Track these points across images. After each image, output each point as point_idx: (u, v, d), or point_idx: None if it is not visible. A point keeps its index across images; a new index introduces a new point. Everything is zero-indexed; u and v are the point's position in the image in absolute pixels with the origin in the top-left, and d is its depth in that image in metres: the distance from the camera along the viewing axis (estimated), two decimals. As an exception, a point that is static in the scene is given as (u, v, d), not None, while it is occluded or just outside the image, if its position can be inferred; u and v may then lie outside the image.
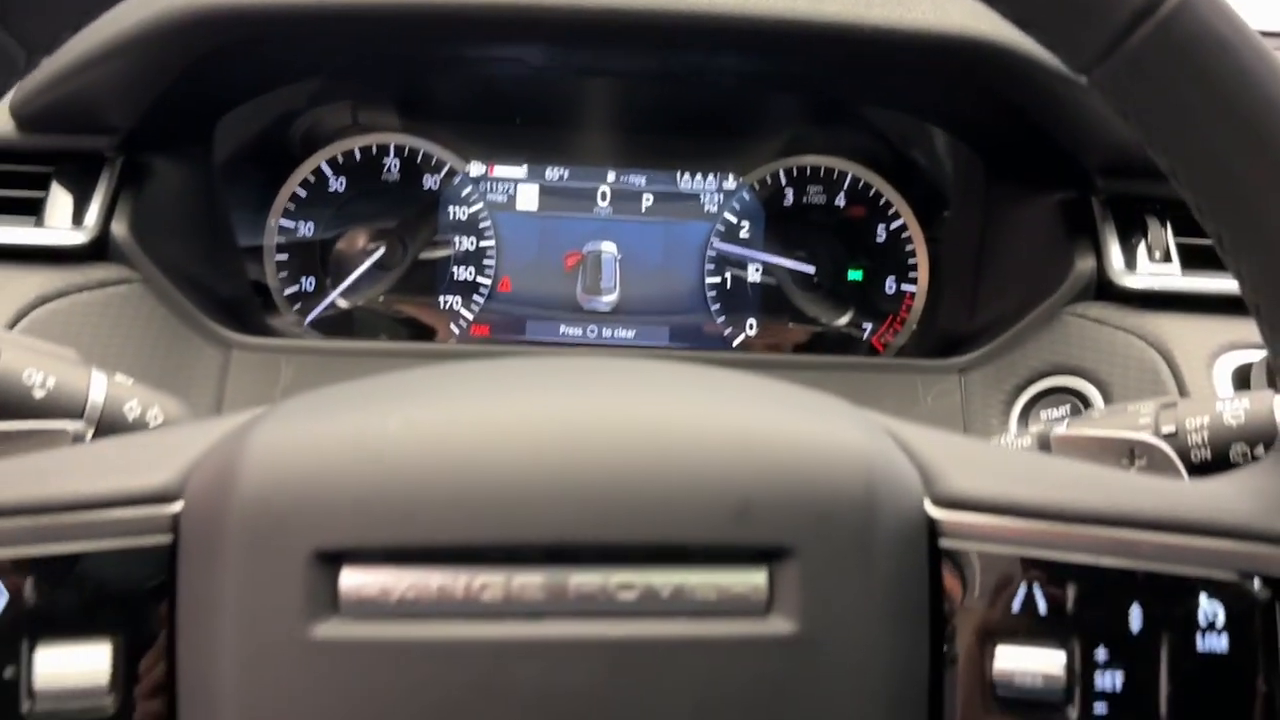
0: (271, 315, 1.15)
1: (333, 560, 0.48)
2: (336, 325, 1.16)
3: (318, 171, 1.16)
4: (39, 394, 0.67)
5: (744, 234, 1.18)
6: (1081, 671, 0.50)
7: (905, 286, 1.18)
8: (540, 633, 0.48)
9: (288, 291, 1.16)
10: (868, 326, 1.19)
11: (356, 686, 0.47)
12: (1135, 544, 0.50)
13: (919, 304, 1.18)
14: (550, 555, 0.48)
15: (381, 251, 1.16)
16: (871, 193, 1.18)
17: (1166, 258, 0.98)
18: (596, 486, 0.48)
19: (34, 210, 0.96)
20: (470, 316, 1.18)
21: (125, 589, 0.50)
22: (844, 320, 1.19)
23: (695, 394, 0.54)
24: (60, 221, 0.96)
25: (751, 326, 1.19)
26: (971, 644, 0.51)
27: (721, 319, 1.19)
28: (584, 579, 0.48)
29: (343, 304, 1.16)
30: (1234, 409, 0.66)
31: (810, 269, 1.18)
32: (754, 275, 1.19)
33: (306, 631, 0.47)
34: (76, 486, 0.50)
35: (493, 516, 0.48)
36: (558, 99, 1.17)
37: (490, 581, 0.48)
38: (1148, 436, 0.63)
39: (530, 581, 0.48)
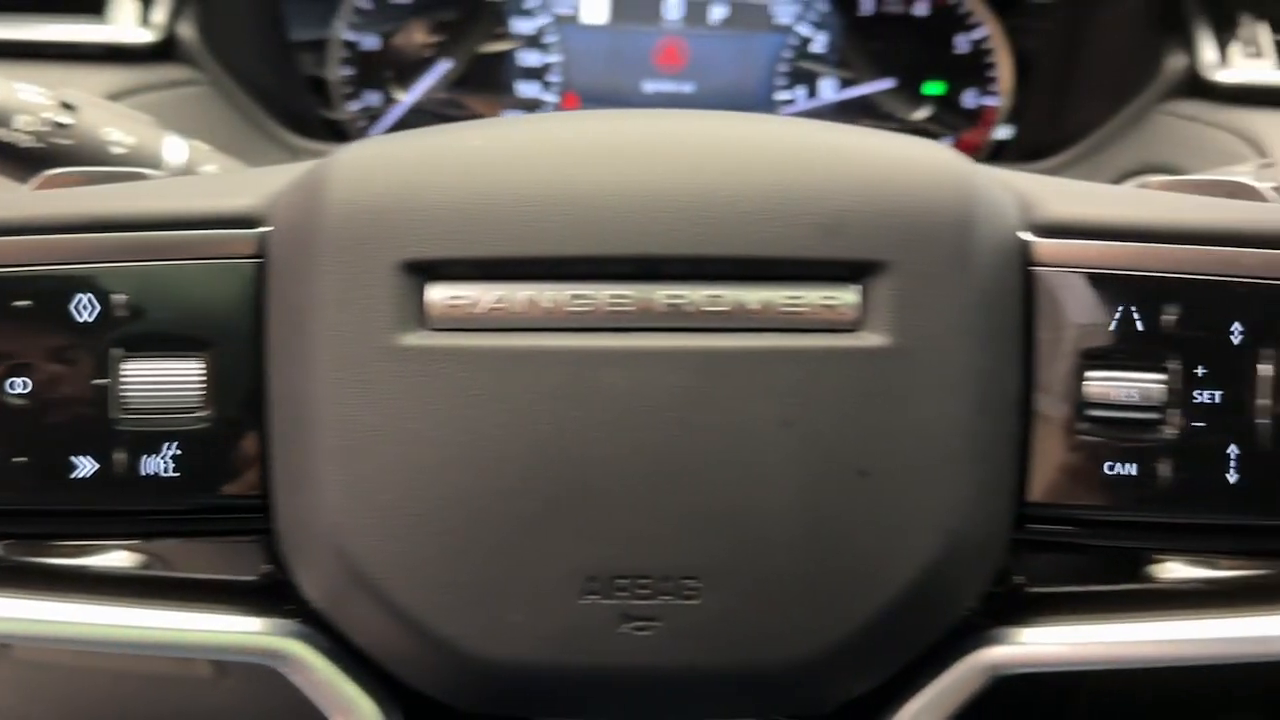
0: (328, 111, 1.14)
1: (419, 272, 0.47)
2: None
3: (381, -16, 1.14)
4: (117, 150, 0.66)
5: (817, 47, 1.15)
6: (1181, 388, 0.49)
7: (986, 100, 1.14)
8: (629, 343, 0.47)
9: (353, 107, 1.14)
10: (947, 143, 1.15)
11: (445, 394, 0.47)
12: (1236, 259, 0.49)
13: (1001, 116, 1.14)
14: (640, 269, 0.47)
15: (447, 67, 1.14)
16: (953, 1, 1.14)
17: (1259, 53, 0.94)
18: (687, 200, 0.47)
19: (97, 9, 0.95)
20: (537, 134, 1.16)
21: (216, 307, 0.50)
22: (922, 116, 1.15)
23: (790, 123, 0.52)
24: (126, 20, 0.95)
25: (824, 145, 1.16)
26: (1065, 363, 0.50)
27: (793, 137, 1.16)
28: (673, 292, 0.47)
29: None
30: None
31: (888, 84, 1.15)
32: (828, 91, 1.16)
33: (394, 341, 0.47)
34: (167, 206, 0.50)
35: (582, 229, 0.47)
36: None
37: (580, 294, 0.47)
38: (1245, 178, 0.60)
39: (620, 294, 0.47)
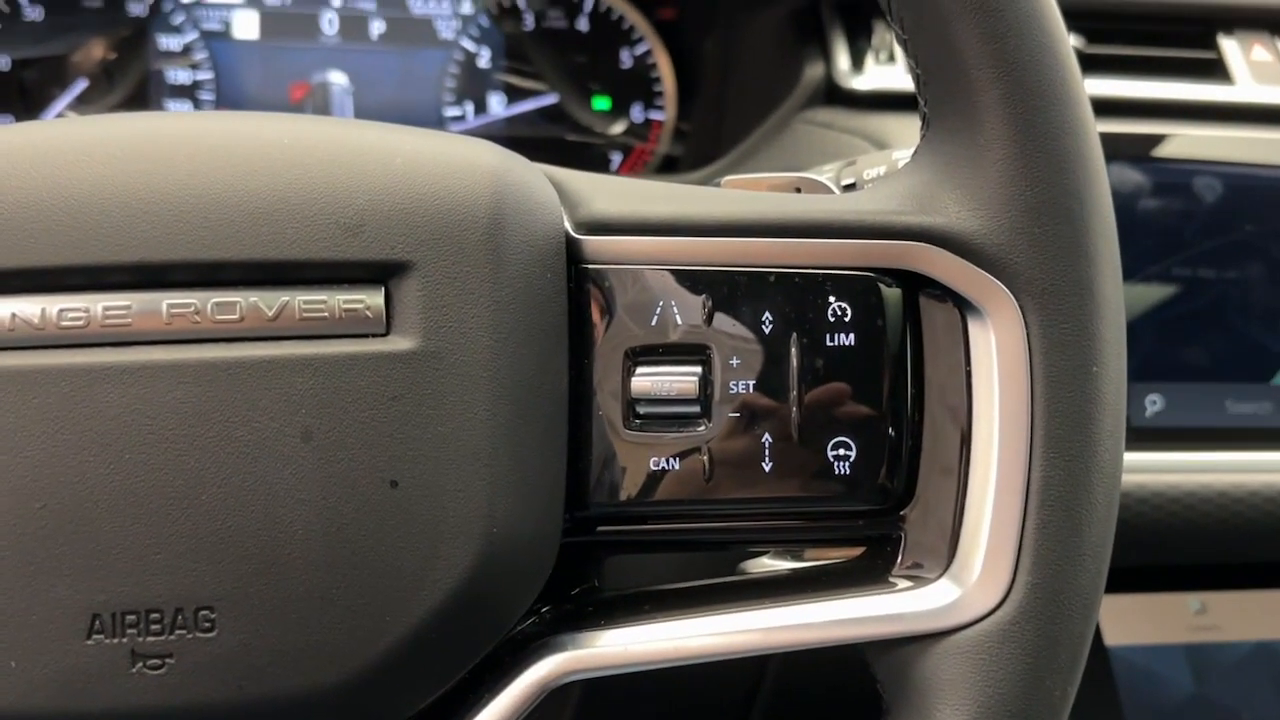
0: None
1: None
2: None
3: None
4: None
5: (482, 63, 1.14)
6: (717, 380, 0.49)
7: (653, 114, 1.15)
8: (127, 358, 0.43)
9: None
10: (616, 158, 1.16)
11: None
12: (764, 249, 0.49)
13: (667, 131, 1.15)
14: (140, 277, 0.44)
15: (84, 87, 1.07)
16: (615, 16, 1.14)
17: (892, 59, 0.98)
18: (191, 200, 0.44)
19: None
20: (193, 157, 1.10)
21: None
22: (598, 134, 1.15)
23: (315, 121, 0.50)
24: None
25: (497, 161, 1.15)
26: (613, 361, 0.49)
27: (464, 154, 1.14)
28: (178, 301, 0.44)
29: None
30: (907, 155, 0.66)
31: (553, 99, 1.14)
32: (496, 107, 1.14)
33: None
34: None
35: (71, 236, 0.43)
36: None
37: (70, 307, 0.43)
38: (814, 175, 0.61)
39: (117, 305, 0.44)
